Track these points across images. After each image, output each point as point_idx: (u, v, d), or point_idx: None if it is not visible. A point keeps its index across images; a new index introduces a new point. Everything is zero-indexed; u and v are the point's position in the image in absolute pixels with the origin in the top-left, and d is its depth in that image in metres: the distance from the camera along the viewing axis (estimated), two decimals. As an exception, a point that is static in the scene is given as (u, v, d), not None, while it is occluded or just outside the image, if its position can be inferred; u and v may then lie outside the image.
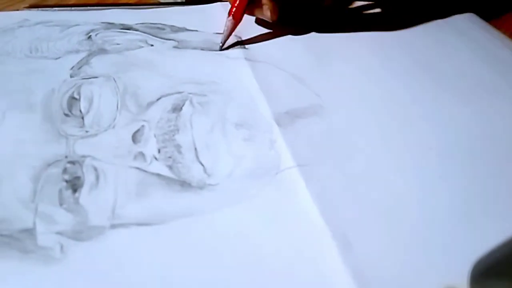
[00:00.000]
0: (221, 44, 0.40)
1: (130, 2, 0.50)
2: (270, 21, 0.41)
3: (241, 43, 0.42)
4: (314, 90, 0.36)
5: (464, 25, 0.45)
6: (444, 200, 0.28)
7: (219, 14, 0.44)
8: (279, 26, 0.43)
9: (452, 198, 0.28)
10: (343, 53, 0.41)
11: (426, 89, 0.37)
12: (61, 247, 0.24)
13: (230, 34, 0.40)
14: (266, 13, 0.40)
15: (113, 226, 0.25)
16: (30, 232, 0.25)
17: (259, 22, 0.44)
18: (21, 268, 0.23)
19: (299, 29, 0.44)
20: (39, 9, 0.46)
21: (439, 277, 0.23)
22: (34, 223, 0.25)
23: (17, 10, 0.46)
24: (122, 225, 0.25)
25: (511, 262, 0.22)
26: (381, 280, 0.23)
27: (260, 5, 0.40)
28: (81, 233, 0.25)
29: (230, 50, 0.40)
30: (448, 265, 0.24)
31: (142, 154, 0.29)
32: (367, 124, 0.33)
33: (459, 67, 0.39)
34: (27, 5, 0.47)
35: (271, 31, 0.43)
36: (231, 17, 0.40)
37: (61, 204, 0.26)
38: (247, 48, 0.41)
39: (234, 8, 0.40)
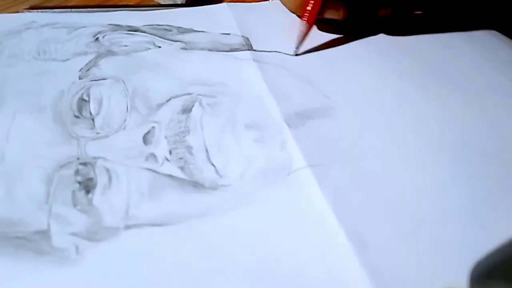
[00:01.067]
0: (296, 49, 0.40)
1: (131, 3, 0.51)
2: (342, 18, 0.41)
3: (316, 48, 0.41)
4: (323, 92, 0.36)
5: (479, 35, 0.45)
6: (452, 200, 0.28)
7: (225, 14, 0.44)
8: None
9: (459, 198, 0.28)
10: (352, 55, 0.41)
11: (436, 92, 0.37)
12: (77, 248, 0.24)
13: (304, 38, 0.40)
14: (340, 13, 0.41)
15: (127, 227, 0.25)
16: (44, 233, 0.25)
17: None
18: (37, 269, 0.23)
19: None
20: (40, 10, 0.46)
21: (449, 277, 0.23)
22: (49, 224, 0.25)
23: (18, 11, 0.46)
24: (136, 226, 0.25)
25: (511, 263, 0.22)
26: (398, 279, 0.23)
27: (334, 6, 0.41)
28: (96, 234, 0.25)
29: (238, 52, 0.40)
30: (452, 265, 0.24)
31: (153, 155, 0.29)
32: (377, 125, 0.33)
33: (468, 70, 0.39)
34: (27, 7, 0.47)
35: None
36: (305, 22, 0.40)
37: (74, 205, 0.26)
38: (254, 50, 0.41)
39: (307, 13, 0.40)
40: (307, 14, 0.40)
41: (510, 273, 0.20)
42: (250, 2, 0.50)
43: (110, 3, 0.51)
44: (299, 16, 0.42)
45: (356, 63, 0.40)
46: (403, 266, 0.24)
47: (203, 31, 0.43)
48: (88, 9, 0.48)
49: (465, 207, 0.27)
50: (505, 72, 0.39)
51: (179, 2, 0.50)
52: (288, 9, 0.46)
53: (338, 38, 0.43)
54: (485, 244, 0.25)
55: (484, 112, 0.35)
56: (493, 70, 0.39)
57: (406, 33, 0.44)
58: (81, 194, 0.27)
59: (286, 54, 0.41)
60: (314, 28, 0.42)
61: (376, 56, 0.41)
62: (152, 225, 0.26)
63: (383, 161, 0.30)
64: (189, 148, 0.30)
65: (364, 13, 0.45)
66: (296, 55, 0.40)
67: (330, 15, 0.41)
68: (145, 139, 0.30)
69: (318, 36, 0.43)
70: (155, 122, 0.31)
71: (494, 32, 0.46)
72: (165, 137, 0.30)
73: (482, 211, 0.27)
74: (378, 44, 0.42)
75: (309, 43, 0.41)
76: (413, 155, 0.31)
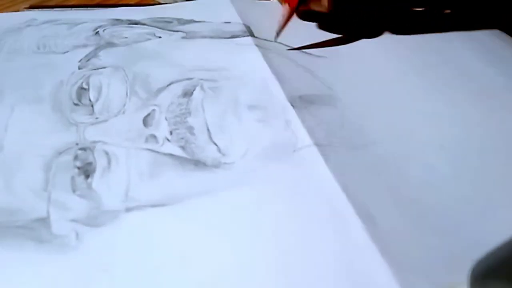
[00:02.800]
0: (276, 34, 0.39)
1: (131, 2, 0.50)
2: (326, 11, 0.39)
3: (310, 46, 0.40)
4: (326, 84, 0.35)
5: (482, 35, 0.44)
6: (452, 197, 0.26)
7: (225, 5, 0.44)
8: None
9: (460, 195, 0.26)
10: (355, 49, 0.40)
11: (438, 88, 0.35)
12: (77, 234, 0.23)
13: (286, 23, 0.39)
14: (323, 3, 0.39)
15: (128, 210, 0.24)
16: (44, 221, 0.24)
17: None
18: (38, 258, 0.22)
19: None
20: (40, 9, 0.46)
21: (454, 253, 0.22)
22: (48, 212, 0.24)
23: (18, 10, 0.46)
24: (136, 208, 0.24)
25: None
26: (407, 254, 0.22)
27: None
28: (96, 218, 0.24)
29: (240, 38, 0.40)
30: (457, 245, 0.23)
31: (153, 136, 0.28)
32: (379, 119, 0.31)
33: (471, 67, 0.38)
34: (27, 6, 0.47)
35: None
36: (287, 4, 0.38)
37: (74, 191, 0.25)
38: (256, 37, 0.40)
39: None
40: None
41: (510, 273, 0.19)
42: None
43: (110, 2, 0.50)
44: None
45: (359, 57, 0.38)
46: (411, 246, 0.23)
47: (204, 21, 0.42)
48: (89, 8, 0.48)
49: (469, 198, 0.26)
50: (508, 72, 0.38)
51: (179, 1, 0.50)
52: None
53: (334, 38, 0.41)
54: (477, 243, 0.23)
55: (489, 110, 0.33)
56: (495, 70, 0.38)
57: (409, 32, 0.43)
58: (80, 179, 0.26)
59: (287, 46, 0.40)
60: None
61: (380, 51, 0.39)
62: (153, 206, 0.25)
63: (387, 150, 0.29)
64: (190, 129, 0.29)
65: (350, 9, 0.44)
66: (275, 41, 0.39)
67: (315, 6, 0.40)
68: (145, 122, 0.29)
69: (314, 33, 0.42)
70: (156, 105, 0.31)
71: (497, 31, 0.45)
72: (166, 119, 0.29)
73: (478, 209, 0.25)
74: (382, 40, 0.41)
75: (302, 38, 0.40)
76: (417, 147, 0.29)
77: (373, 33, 0.42)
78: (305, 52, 0.39)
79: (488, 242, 0.21)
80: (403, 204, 0.25)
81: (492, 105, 0.33)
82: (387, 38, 0.42)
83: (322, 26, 0.43)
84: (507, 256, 0.20)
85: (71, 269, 0.22)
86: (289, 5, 0.39)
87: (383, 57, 0.39)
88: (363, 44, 0.41)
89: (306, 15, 0.43)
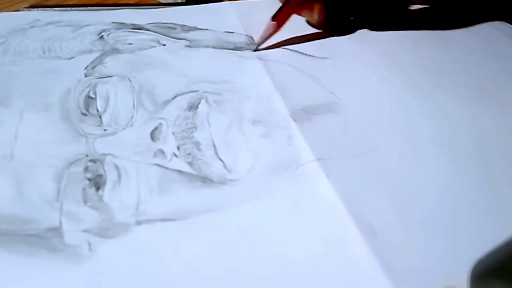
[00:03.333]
0: (256, 45, 0.40)
1: (131, 2, 0.51)
2: (317, 24, 0.41)
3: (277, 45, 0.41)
4: (328, 88, 0.36)
5: (482, 29, 0.45)
6: (458, 194, 0.28)
7: (228, 13, 0.45)
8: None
9: (461, 195, 0.28)
10: (356, 51, 0.41)
11: (439, 88, 0.37)
12: (89, 244, 0.24)
13: (268, 37, 0.40)
14: (314, 16, 0.40)
15: (138, 223, 0.25)
16: (57, 230, 0.25)
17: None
18: (51, 267, 0.23)
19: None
20: (40, 9, 0.47)
21: (454, 265, 0.24)
22: (60, 222, 0.25)
23: (18, 10, 0.46)
24: (147, 221, 0.26)
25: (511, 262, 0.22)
26: (409, 268, 0.23)
27: (309, 7, 0.40)
28: (108, 230, 0.25)
29: (243, 51, 0.40)
30: (457, 256, 0.24)
31: (161, 151, 0.29)
32: (382, 122, 0.33)
33: (470, 65, 0.40)
34: (27, 5, 0.47)
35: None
36: (274, 22, 0.40)
37: (85, 202, 0.26)
38: (258, 49, 0.41)
39: (279, 13, 0.40)
40: (279, 15, 0.40)
41: (510, 273, 0.20)
42: None
43: (110, 2, 0.51)
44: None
45: (361, 60, 0.40)
46: (411, 255, 0.24)
47: (207, 29, 0.43)
48: (89, 7, 0.48)
49: (470, 201, 0.27)
50: (508, 67, 0.40)
51: (180, 1, 0.50)
52: None
53: (308, 34, 0.43)
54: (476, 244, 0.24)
55: (490, 108, 0.35)
56: (495, 65, 0.40)
57: (407, 28, 0.44)
58: (91, 191, 0.27)
59: (290, 50, 0.41)
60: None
61: (380, 53, 0.41)
62: (163, 220, 0.26)
63: (390, 155, 0.30)
64: (197, 144, 0.30)
65: (343, 18, 0.44)
66: (255, 51, 0.40)
67: (306, 15, 0.41)
68: (153, 136, 0.30)
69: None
70: (162, 118, 0.32)
71: (500, 24, 0.46)
72: (173, 133, 0.30)
73: (478, 210, 0.27)
74: (382, 42, 0.43)
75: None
76: (419, 149, 0.31)
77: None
78: (307, 55, 0.40)
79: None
80: (404, 212, 0.26)
81: (498, 104, 0.35)
82: (388, 39, 0.43)
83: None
84: (507, 256, 0.21)
85: (84, 279, 0.23)
86: (277, 23, 0.40)
87: (384, 58, 0.40)
88: (365, 45, 0.42)
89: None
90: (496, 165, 0.30)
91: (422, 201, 0.27)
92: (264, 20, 0.44)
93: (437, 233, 0.25)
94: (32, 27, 0.42)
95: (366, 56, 0.41)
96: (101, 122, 0.31)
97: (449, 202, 0.27)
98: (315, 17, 0.41)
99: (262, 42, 0.40)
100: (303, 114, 0.33)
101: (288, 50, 0.41)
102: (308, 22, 0.43)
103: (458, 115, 0.34)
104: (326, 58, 0.40)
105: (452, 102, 0.35)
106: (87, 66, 0.37)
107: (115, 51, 0.39)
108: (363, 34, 0.43)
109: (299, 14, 0.42)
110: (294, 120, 0.32)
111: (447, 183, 0.29)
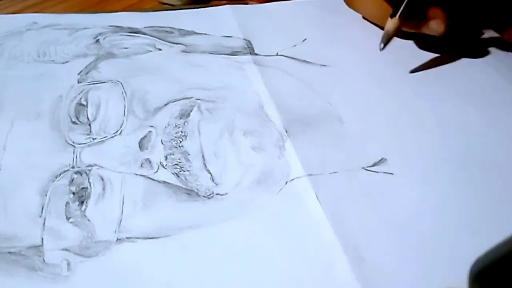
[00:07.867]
0: (382, 45, 0.37)
1: (131, 2, 0.50)
2: (438, 35, 0.37)
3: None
4: (324, 98, 0.35)
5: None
6: (451, 214, 0.27)
7: (227, 17, 0.44)
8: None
9: (458, 212, 0.27)
10: (356, 60, 0.40)
11: (440, 99, 0.36)
12: (68, 264, 0.24)
13: (393, 35, 0.37)
14: (436, 27, 0.37)
15: (120, 241, 0.25)
16: (38, 249, 0.24)
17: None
18: (29, 285, 0.23)
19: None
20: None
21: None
22: (42, 239, 0.25)
23: (17, 12, 0.46)
24: (128, 239, 0.25)
25: (510, 261, 0.21)
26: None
27: (426, 21, 0.37)
28: (88, 248, 0.24)
29: (240, 56, 0.40)
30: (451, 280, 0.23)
31: (148, 161, 0.29)
32: (379, 133, 0.32)
33: (474, 76, 0.38)
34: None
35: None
36: (396, 17, 0.36)
37: (68, 218, 0.26)
38: (256, 53, 0.40)
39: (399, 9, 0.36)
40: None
41: (510, 272, 0.20)
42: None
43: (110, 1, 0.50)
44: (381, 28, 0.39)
45: (359, 70, 0.39)
46: (399, 281, 0.23)
47: (205, 34, 0.42)
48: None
49: (464, 221, 0.26)
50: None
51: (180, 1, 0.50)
52: (370, 18, 0.45)
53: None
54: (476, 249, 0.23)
55: (491, 123, 0.34)
56: (499, 77, 0.38)
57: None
58: (74, 205, 0.26)
59: (290, 57, 0.40)
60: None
61: (380, 63, 0.40)
62: (145, 238, 0.25)
63: (383, 172, 0.29)
64: (185, 154, 0.29)
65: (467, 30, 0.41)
66: (381, 50, 0.37)
67: (428, 30, 0.37)
68: (141, 144, 0.30)
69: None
70: (152, 126, 0.31)
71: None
72: (162, 142, 0.30)
73: (483, 226, 0.26)
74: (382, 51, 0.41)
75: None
76: (414, 165, 0.30)
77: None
78: (306, 61, 0.39)
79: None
80: (394, 235, 0.25)
81: (494, 115, 0.34)
82: (388, 49, 0.41)
83: (423, 46, 0.42)
84: (506, 255, 0.20)
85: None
86: (399, 17, 0.36)
87: (384, 68, 0.39)
88: (363, 55, 0.41)
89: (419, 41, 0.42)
90: (493, 178, 0.29)
91: (415, 225, 0.26)
92: (263, 24, 0.44)
93: (429, 261, 0.24)
94: (28, 30, 0.42)
95: (366, 66, 0.39)
96: (90, 131, 0.31)
97: (443, 224, 0.26)
98: (436, 27, 0.37)
99: (387, 41, 0.37)
100: (297, 125, 0.32)
101: (285, 57, 0.40)
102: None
103: (459, 130, 0.33)
104: (325, 65, 0.39)
105: (453, 119, 0.34)
106: (81, 71, 0.36)
107: (110, 55, 0.38)
108: (365, 42, 0.42)
109: (418, 31, 0.38)
110: (287, 132, 0.31)
111: (442, 204, 0.27)
